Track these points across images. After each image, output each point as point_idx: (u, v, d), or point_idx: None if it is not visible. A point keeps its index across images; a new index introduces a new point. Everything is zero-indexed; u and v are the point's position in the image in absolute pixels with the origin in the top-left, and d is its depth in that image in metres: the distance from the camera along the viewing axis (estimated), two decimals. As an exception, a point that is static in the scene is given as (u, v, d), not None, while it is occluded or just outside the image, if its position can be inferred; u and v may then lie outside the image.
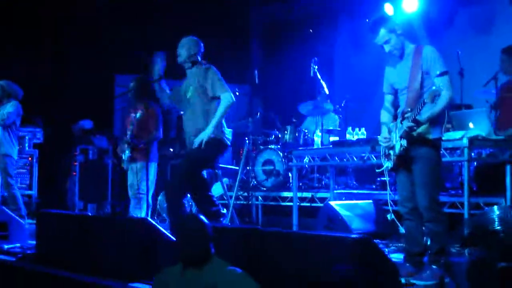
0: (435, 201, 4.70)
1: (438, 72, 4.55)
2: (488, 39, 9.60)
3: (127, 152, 7.10)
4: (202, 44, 6.24)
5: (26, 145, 9.86)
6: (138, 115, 7.07)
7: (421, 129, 4.61)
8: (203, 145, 5.93)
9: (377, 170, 5.17)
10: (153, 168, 7.25)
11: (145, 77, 7.07)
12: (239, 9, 12.02)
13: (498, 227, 4.05)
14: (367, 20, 10.79)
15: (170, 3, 10.97)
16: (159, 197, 8.58)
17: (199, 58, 6.20)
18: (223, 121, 6.11)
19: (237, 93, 8.63)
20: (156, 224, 4.72)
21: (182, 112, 6.62)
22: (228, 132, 6.20)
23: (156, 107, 7.19)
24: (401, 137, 4.69)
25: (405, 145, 4.65)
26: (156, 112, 7.20)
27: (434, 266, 4.57)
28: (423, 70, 4.63)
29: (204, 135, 5.95)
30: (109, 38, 10.58)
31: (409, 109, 4.63)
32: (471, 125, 6.40)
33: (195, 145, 5.97)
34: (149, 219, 4.94)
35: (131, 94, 7.32)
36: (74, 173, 9.79)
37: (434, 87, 4.38)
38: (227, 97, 6.02)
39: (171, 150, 9.72)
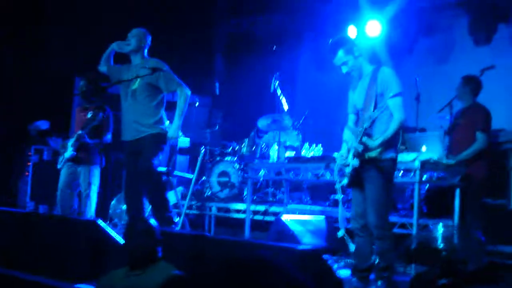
0: (384, 220, 4.79)
1: (391, 94, 4.67)
2: (446, 68, 9.88)
3: (70, 149, 6.91)
4: (150, 38, 6.27)
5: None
6: (89, 115, 6.92)
7: (377, 148, 4.72)
8: (160, 142, 5.96)
9: (336, 186, 5.25)
10: (98, 171, 7.11)
11: (95, 76, 7.00)
12: (204, 20, 12.05)
13: (441, 245, 4.16)
14: (330, 40, 11.01)
15: (135, 9, 10.93)
16: (113, 202, 8.50)
17: (146, 51, 6.25)
18: (164, 113, 6.15)
19: (197, 104, 8.67)
20: (106, 227, 4.69)
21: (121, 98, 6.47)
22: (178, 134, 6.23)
23: (108, 109, 7.10)
24: (354, 156, 4.77)
25: (356, 164, 4.73)
26: (108, 116, 7.09)
27: (379, 282, 4.65)
28: (377, 92, 4.74)
29: (174, 134, 5.97)
30: (72, 38, 10.47)
31: (361, 129, 4.75)
32: (424, 148, 6.57)
33: (147, 141, 5.96)
34: (99, 221, 4.89)
35: (82, 94, 7.17)
36: (27, 173, 9.63)
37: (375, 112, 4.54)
38: (183, 90, 6.06)
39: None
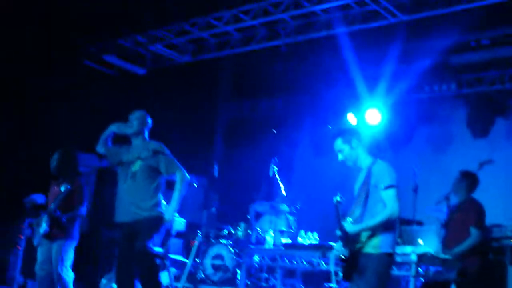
0: None
1: (383, 186, 4.69)
2: (444, 158, 9.96)
3: (44, 225, 6.73)
4: (151, 120, 6.35)
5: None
6: (62, 188, 6.74)
7: (371, 241, 4.68)
8: (157, 225, 5.90)
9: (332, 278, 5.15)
10: (72, 247, 6.89)
11: (69, 150, 6.98)
12: (206, 102, 12.26)
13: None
14: (329, 127, 11.14)
15: (138, 89, 11.14)
16: (103, 281, 8.36)
17: (147, 133, 6.29)
18: (161, 196, 6.11)
19: (195, 185, 8.67)
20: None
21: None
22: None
23: (82, 182, 6.98)
24: (343, 246, 4.74)
25: (346, 255, 4.69)
26: (81, 188, 6.93)
27: None
28: (370, 184, 4.76)
29: (170, 217, 5.93)
30: (74, 114, 10.59)
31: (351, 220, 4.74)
32: (420, 241, 6.51)
33: (144, 223, 5.89)
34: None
35: (55, 167, 6.99)
36: (19, 247, 9.50)
37: None
38: (183, 175, 6.06)
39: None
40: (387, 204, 4.65)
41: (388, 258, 4.75)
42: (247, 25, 9.48)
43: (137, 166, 6.08)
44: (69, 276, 6.78)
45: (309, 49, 10.62)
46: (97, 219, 10.25)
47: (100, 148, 6.40)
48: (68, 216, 6.76)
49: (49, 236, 6.75)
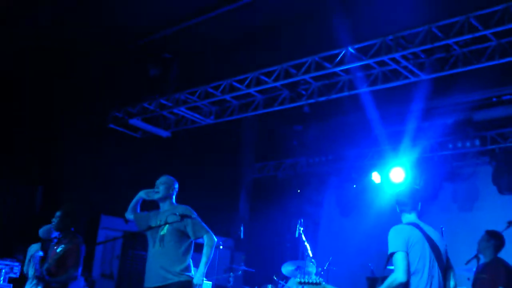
0: None
1: (388, 253, 4.71)
2: (470, 215, 9.85)
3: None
4: (177, 184, 6.37)
5: (1, 278, 9.58)
6: (59, 249, 6.43)
7: None
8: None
9: None
10: None
11: (71, 206, 6.88)
12: (231, 164, 12.33)
13: None
14: (354, 186, 11.14)
15: (163, 152, 11.26)
16: None
17: (174, 198, 6.34)
18: (191, 261, 6.10)
19: (221, 247, 8.66)
20: None
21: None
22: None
23: (80, 243, 6.59)
24: None
25: None
26: (79, 248, 6.53)
27: None
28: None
29: (199, 281, 5.90)
30: (101, 177, 10.71)
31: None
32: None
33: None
34: None
35: (56, 225, 6.61)
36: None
37: None
38: (210, 238, 6.05)
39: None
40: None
41: None
42: (269, 87, 9.61)
43: (165, 230, 6.10)
44: None
45: (332, 108, 10.72)
46: (125, 282, 10.23)
47: (129, 215, 6.46)
48: (58, 280, 6.41)
49: None
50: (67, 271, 6.47)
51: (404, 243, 4.71)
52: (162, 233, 6.11)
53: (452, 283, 4.93)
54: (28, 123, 10.06)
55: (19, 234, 9.54)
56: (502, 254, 6.69)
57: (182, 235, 6.08)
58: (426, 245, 4.77)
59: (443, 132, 10.28)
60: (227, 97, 10.10)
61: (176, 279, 5.95)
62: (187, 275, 6.00)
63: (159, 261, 6.05)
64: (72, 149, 10.47)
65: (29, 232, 10.00)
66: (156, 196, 6.26)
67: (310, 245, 8.96)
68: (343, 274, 9.41)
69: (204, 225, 6.12)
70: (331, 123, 11.23)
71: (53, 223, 6.75)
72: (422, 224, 4.91)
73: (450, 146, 10.33)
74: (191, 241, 6.15)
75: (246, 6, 8.71)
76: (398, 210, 5.05)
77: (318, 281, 4.97)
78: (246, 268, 9.54)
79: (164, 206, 6.29)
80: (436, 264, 4.77)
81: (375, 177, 10.62)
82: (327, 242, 11.27)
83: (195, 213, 6.16)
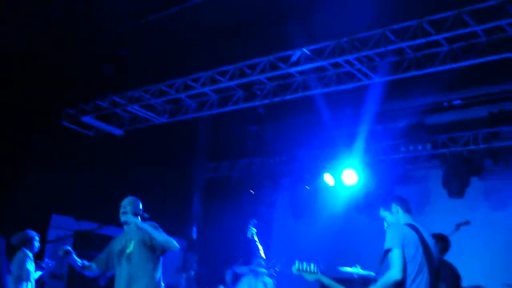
0: None
1: (385, 249, 4.70)
2: (421, 219, 9.85)
3: None
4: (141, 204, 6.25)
5: None
6: None
7: None
8: None
9: None
10: None
11: None
12: (183, 164, 12.24)
13: None
14: (307, 187, 11.17)
15: (116, 150, 11.10)
16: None
17: (139, 217, 6.16)
18: (161, 276, 5.94)
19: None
20: None
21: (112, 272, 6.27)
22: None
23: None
24: None
25: None
26: None
27: None
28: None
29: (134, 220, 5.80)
30: (51, 176, 10.48)
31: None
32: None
33: None
34: None
35: None
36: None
37: None
38: (172, 241, 5.91)
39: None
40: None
41: None
42: (224, 86, 9.56)
43: (131, 247, 5.90)
44: None
45: (286, 110, 10.74)
46: (75, 284, 10.04)
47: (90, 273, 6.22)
48: None
49: None
50: None
51: (400, 241, 4.68)
52: (128, 251, 5.91)
53: None
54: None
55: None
56: (449, 257, 6.79)
57: (149, 250, 5.89)
58: (420, 249, 4.75)
59: (396, 135, 10.41)
60: (182, 95, 10.00)
61: None
62: None
63: (126, 279, 5.84)
64: (24, 146, 10.24)
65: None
66: (123, 218, 6.06)
67: (262, 246, 8.95)
68: (295, 275, 9.41)
69: (167, 236, 5.95)
70: (285, 124, 11.25)
71: None
72: (419, 226, 4.89)
73: (403, 149, 10.44)
74: (159, 257, 5.96)
75: (203, 4, 8.66)
76: (393, 210, 5.02)
77: (315, 270, 4.95)
78: (199, 269, 9.48)
79: (129, 227, 6.10)
80: (427, 270, 4.74)
81: (328, 178, 10.67)
82: (280, 243, 11.27)
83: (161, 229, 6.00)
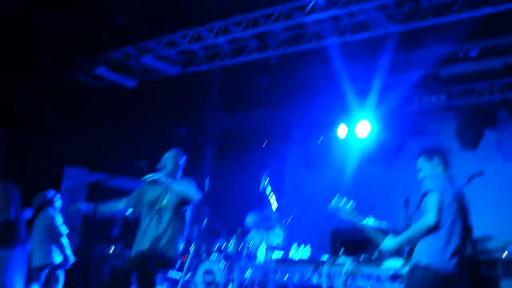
0: None
1: (422, 192, 4.71)
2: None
3: None
4: (185, 158, 6.17)
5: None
6: None
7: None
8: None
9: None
10: (17, 256, 6.54)
11: None
12: (196, 115, 12.21)
13: None
14: (320, 139, 11.14)
15: (128, 102, 11.09)
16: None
17: (180, 174, 6.11)
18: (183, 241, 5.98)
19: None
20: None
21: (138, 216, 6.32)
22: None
23: (9, 187, 6.69)
24: None
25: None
26: (6, 192, 6.62)
27: None
28: None
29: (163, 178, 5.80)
30: (65, 129, 10.51)
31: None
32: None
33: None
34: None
35: None
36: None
37: None
38: (197, 191, 5.96)
39: (113, 249, 9.43)
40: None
41: (423, 272, 4.61)
42: (237, 37, 9.44)
43: (164, 202, 5.92)
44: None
45: (299, 60, 10.62)
46: (89, 235, 10.15)
47: (116, 210, 6.24)
48: None
49: None
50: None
51: (439, 187, 4.66)
52: (160, 205, 5.91)
53: (469, 248, 4.88)
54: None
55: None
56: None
57: (180, 208, 5.91)
58: (456, 200, 4.73)
59: (410, 87, 10.29)
60: (195, 46, 9.90)
61: (160, 248, 5.80)
62: (173, 248, 5.86)
63: (153, 231, 5.88)
64: (36, 100, 10.24)
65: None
66: (161, 173, 5.92)
67: (275, 197, 8.97)
68: (307, 226, 9.48)
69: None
70: (298, 75, 11.15)
71: None
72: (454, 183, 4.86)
73: (416, 101, 10.35)
74: (186, 213, 5.97)
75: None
76: (434, 163, 4.96)
77: (351, 209, 4.95)
78: (211, 221, 9.53)
79: (167, 179, 6.05)
80: (461, 223, 4.72)
81: (341, 130, 10.61)
82: (292, 194, 11.30)
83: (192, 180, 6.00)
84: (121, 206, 6.19)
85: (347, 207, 5.21)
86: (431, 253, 4.60)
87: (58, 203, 8.07)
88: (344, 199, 5.18)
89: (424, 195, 4.65)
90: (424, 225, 4.57)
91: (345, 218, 5.27)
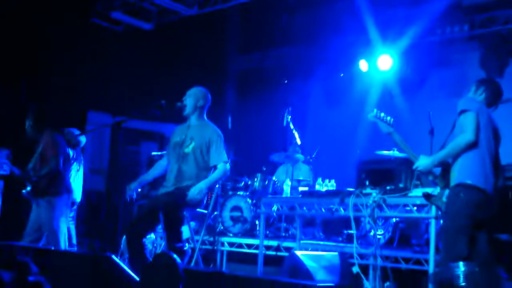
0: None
1: (458, 111, 4.71)
2: (458, 101, 9.82)
3: (28, 188, 6.72)
4: (210, 97, 6.17)
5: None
6: (40, 148, 6.74)
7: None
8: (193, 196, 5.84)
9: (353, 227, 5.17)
10: (64, 203, 6.82)
11: (36, 110, 6.86)
12: (215, 57, 12.15)
13: (463, 283, 4.06)
14: (341, 75, 11.05)
15: (146, 45, 11.03)
16: (124, 237, 8.42)
17: (205, 113, 6.14)
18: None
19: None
20: (121, 263, 4.62)
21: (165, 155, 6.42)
22: None
23: (57, 137, 6.85)
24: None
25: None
26: (55, 140, 6.79)
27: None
28: None
29: (192, 195, 5.77)
30: (85, 73, 10.52)
31: None
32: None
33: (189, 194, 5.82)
34: (113, 256, 4.81)
35: (28, 132, 6.89)
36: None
37: None
38: (223, 168, 5.94)
39: (139, 190, 9.56)
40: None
41: (462, 190, 4.59)
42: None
43: (190, 148, 5.93)
44: (61, 231, 6.73)
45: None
46: (115, 177, 10.30)
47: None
48: (39, 175, 6.68)
49: (33, 195, 6.73)
50: (48, 163, 6.59)
51: (476, 107, 4.64)
52: (186, 150, 5.95)
53: (501, 180, 4.85)
54: (10, 18, 9.72)
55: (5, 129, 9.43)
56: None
57: (204, 155, 5.95)
58: (490, 125, 4.71)
59: (431, 18, 10.09)
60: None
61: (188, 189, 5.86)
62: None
63: (179, 174, 5.94)
64: (55, 45, 10.23)
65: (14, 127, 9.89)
66: (184, 111, 5.98)
67: (298, 134, 8.99)
68: (331, 161, 9.51)
69: (225, 153, 5.99)
70: (316, 11, 10.97)
71: (27, 131, 6.81)
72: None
73: (438, 31, 10.18)
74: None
75: None
76: (478, 92, 4.92)
77: (391, 122, 4.96)
78: (235, 158, 9.61)
79: (191, 121, 6.08)
80: (495, 148, 4.71)
81: (363, 65, 10.51)
82: (315, 131, 11.29)
83: (222, 136, 6.01)
84: (165, 163, 6.26)
85: (386, 119, 5.17)
86: (474, 172, 4.58)
87: (82, 138, 8.14)
88: (382, 113, 5.14)
89: (460, 114, 4.60)
90: (463, 142, 4.55)
91: (384, 131, 5.24)
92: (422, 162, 4.78)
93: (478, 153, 4.56)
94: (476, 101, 4.77)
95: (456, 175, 4.61)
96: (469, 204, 4.52)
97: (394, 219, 7.32)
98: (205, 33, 11.52)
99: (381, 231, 7.45)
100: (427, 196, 5.02)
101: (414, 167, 4.89)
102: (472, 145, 4.52)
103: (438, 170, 4.89)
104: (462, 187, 4.55)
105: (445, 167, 4.76)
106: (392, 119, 5.10)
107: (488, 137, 4.64)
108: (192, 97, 6.04)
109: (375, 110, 5.25)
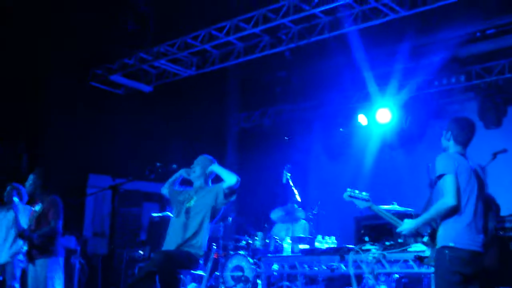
0: None
1: (436, 176, 4.58)
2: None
3: (24, 248, 6.75)
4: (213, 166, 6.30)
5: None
6: (37, 208, 6.76)
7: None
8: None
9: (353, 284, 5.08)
10: (58, 264, 6.78)
11: (40, 171, 6.93)
12: (215, 114, 12.24)
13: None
14: (341, 129, 11.08)
15: (146, 106, 11.15)
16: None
17: (210, 180, 6.27)
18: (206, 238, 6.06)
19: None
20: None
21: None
22: None
23: (57, 199, 6.88)
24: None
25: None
26: (56, 203, 6.82)
27: None
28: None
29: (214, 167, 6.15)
30: (85, 135, 10.61)
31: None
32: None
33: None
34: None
35: (29, 190, 6.97)
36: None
37: None
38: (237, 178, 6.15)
39: (141, 252, 9.52)
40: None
41: (446, 252, 4.50)
42: (248, 33, 9.43)
43: (192, 202, 6.04)
44: None
45: (314, 53, 10.57)
46: (116, 239, 10.25)
47: (164, 189, 6.38)
48: (40, 234, 6.67)
49: (29, 257, 6.71)
50: (49, 223, 6.63)
51: (453, 167, 4.49)
52: (188, 205, 6.03)
53: (491, 224, 4.75)
54: (10, 81, 9.88)
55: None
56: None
57: (208, 209, 5.99)
58: (473, 177, 4.58)
59: (429, 70, 10.18)
60: (207, 46, 9.93)
61: (186, 249, 5.88)
62: (198, 249, 5.93)
63: (179, 231, 5.96)
64: (54, 109, 10.37)
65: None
66: (192, 176, 6.20)
67: (299, 191, 8.93)
68: (331, 217, 9.41)
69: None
70: (314, 68, 11.10)
71: (28, 187, 6.88)
72: (468, 158, 4.69)
73: (436, 83, 10.24)
74: (215, 218, 6.07)
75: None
76: (446, 137, 4.85)
77: (367, 197, 4.91)
78: (237, 217, 9.54)
79: (197, 183, 6.21)
80: (481, 200, 4.59)
81: (362, 119, 10.55)
82: (316, 186, 11.26)
83: None
84: (165, 191, 6.38)
85: (362, 196, 5.16)
86: (457, 234, 4.48)
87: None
88: (356, 190, 5.13)
89: (439, 177, 4.54)
90: (443, 207, 4.46)
91: (361, 207, 5.24)
92: (406, 226, 4.72)
93: (461, 214, 4.48)
94: (450, 156, 4.64)
95: (441, 238, 4.55)
96: (454, 261, 4.45)
97: (396, 275, 7.19)
98: (203, 93, 11.65)
99: (384, 287, 7.31)
100: (419, 258, 4.97)
101: (398, 230, 4.82)
102: (453, 209, 4.46)
103: (427, 230, 4.82)
104: (447, 249, 4.50)
105: (433, 227, 4.70)
106: (367, 194, 5.07)
107: (472, 194, 4.54)
108: (200, 165, 6.22)
109: (348, 189, 5.26)
